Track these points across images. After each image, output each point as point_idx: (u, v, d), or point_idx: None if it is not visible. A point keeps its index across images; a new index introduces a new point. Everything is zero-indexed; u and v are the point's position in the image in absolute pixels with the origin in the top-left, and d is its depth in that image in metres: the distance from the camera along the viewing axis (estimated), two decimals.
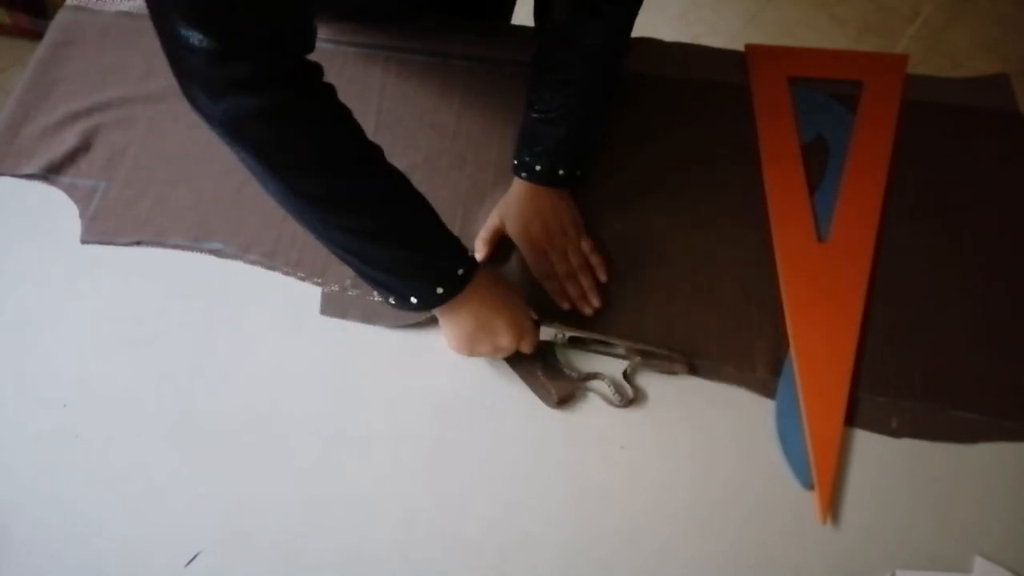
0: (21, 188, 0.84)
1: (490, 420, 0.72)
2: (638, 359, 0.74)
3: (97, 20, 0.97)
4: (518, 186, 0.81)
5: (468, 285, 0.67)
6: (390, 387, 0.74)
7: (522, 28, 0.98)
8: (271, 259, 0.80)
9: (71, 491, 0.68)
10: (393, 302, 0.68)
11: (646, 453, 0.71)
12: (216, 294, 0.78)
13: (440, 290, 0.65)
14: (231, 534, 0.67)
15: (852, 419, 0.72)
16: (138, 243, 0.81)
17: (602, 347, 0.76)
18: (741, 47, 0.97)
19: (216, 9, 0.51)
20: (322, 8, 0.89)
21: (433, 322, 0.73)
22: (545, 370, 0.73)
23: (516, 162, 0.80)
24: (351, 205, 0.62)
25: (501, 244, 0.81)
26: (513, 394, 0.73)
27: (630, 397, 0.73)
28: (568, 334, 0.75)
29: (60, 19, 0.97)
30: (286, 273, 0.79)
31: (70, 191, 0.84)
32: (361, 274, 0.67)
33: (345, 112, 0.61)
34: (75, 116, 0.88)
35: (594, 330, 0.76)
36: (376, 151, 0.64)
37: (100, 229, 0.81)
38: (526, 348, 0.71)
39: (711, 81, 0.94)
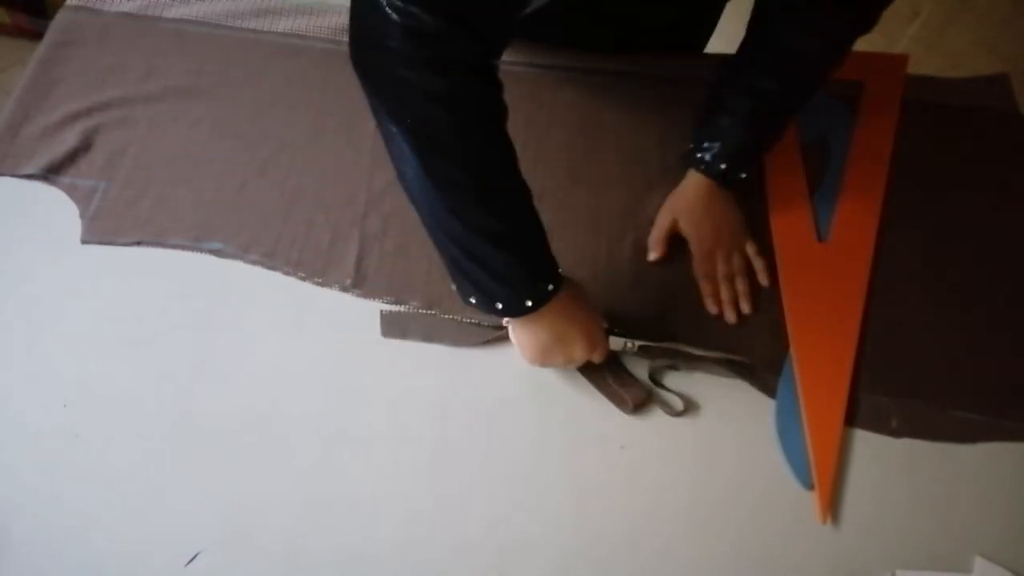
0: (21, 188, 0.84)
1: (490, 420, 0.72)
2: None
3: (97, 20, 0.97)
4: (693, 185, 0.80)
5: (553, 299, 0.67)
6: (390, 387, 0.74)
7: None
8: (271, 259, 0.80)
9: (71, 491, 0.68)
10: (474, 301, 0.67)
11: (646, 453, 0.71)
12: (216, 294, 0.78)
13: (529, 303, 0.65)
14: (231, 534, 0.67)
15: (852, 419, 0.72)
16: (138, 243, 0.81)
17: (668, 357, 0.75)
18: None
19: None
20: (527, 32, 0.91)
21: None
22: (615, 378, 0.73)
23: (693, 156, 0.80)
24: (484, 201, 0.61)
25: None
26: (513, 394, 0.73)
27: (680, 409, 0.73)
28: (638, 343, 0.74)
29: (60, 19, 0.97)
30: (286, 273, 0.79)
31: (70, 191, 0.84)
32: (455, 264, 0.65)
33: (506, 112, 0.61)
34: (75, 116, 0.88)
35: (652, 338, 0.74)
36: (516, 157, 0.63)
37: (100, 229, 0.81)
38: (597, 358, 0.71)
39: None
